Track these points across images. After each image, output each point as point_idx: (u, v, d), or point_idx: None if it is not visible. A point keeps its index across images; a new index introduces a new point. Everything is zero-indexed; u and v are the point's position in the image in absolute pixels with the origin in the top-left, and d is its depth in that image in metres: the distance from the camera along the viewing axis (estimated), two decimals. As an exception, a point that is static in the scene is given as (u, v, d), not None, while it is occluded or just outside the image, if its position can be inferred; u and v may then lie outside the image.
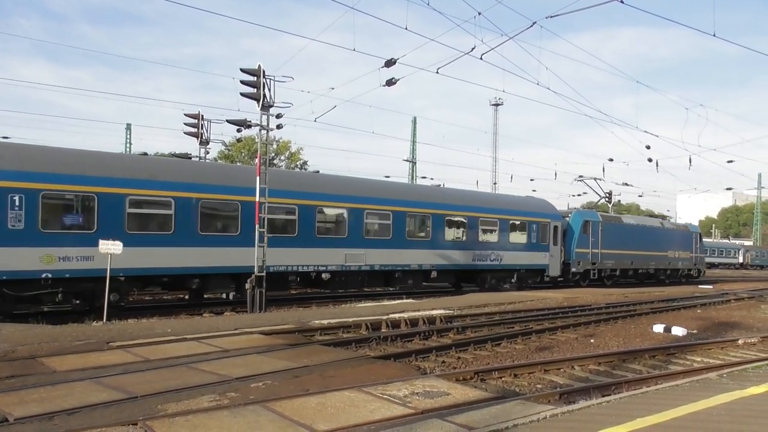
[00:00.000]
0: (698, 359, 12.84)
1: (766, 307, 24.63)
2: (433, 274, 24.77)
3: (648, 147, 31.52)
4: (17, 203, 15.35)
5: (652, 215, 41.04)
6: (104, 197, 16.70)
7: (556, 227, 29.77)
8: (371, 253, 22.33)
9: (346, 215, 21.94)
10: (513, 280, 28.32)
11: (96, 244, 15.74)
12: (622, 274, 34.42)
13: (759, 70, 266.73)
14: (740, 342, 14.68)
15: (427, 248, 24.38)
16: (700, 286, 36.40)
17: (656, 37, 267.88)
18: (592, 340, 14.86)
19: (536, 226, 28.80)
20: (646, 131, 37.37)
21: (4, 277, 15.23)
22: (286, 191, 20.29)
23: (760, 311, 23.16)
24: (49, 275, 15.79)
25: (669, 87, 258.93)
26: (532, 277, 29.36)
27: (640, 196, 64.02)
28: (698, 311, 22.49)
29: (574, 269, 30.69)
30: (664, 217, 52.98)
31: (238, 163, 43.16)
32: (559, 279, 30.52)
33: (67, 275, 16.03)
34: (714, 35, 18.40)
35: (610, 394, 8.60)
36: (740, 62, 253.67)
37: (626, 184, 51.34)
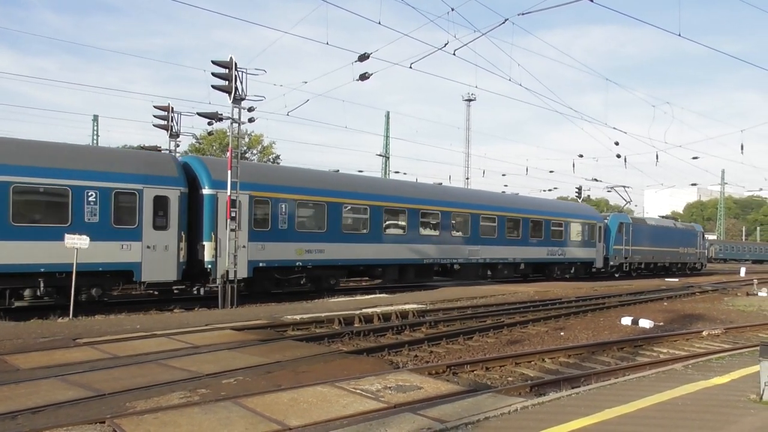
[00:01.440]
0: (664, 351, 13.10)
1: (729, 300, 25.25)
2: (522, 266, 30.93)
3: (617, 143, 32.39)
4: None
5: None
6: None
7: (600, 227, 35.72)
8: (485, 249, 28.42)
9: (470, 220, 27.95)
10: (572, 271, 34.22)
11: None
12: (645, 267, 40.31)
13: (722, 69, 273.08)
14: (704, 333, 15.03)
15: (517, 245, 30.28)
16: (666, 279, 37.31)
17: (625, 35, 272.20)
18: (562, 333, 15.07)
19: (587, 227, 34.71)
20: (615, 128, 38.14)
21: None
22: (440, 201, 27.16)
23: (724, 303, 23.74)
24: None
25: (637, 85, 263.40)
26: (585, 269, 35.01)
27: (608, 191, 64.84)
28: (665, 304, 22.95)
29: (612, 262, 36.68)
30: (675, 219, 58.83)
31: (210, 156, 42.60)
32: (602, 270, 36.33)
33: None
34: (679, 35, 18.61)
35: (579, 386, 8.72)
36: (704, 61, 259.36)
37: (596, 180, 52.07)
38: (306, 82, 49.22)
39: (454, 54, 18.03)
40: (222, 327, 13.73)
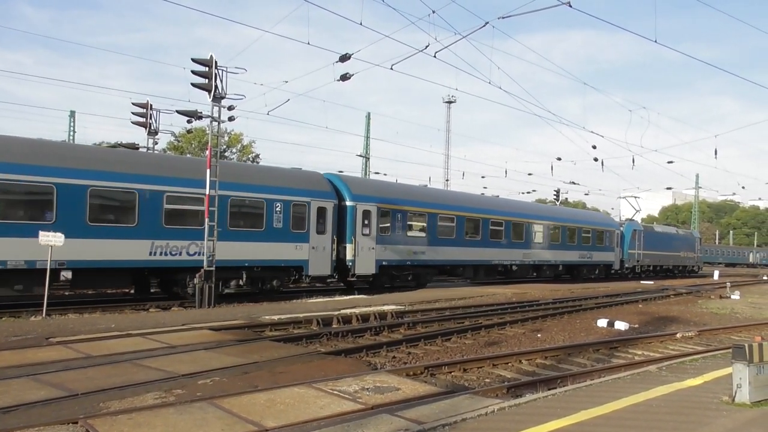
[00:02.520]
0: (639, 353, 13.26)
1: (703, 302, 25.67)
2: (560, 267, 36.26)
3: (594, 147, 32.39)
4: None
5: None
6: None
7: (617, 234, 41.02)
8: (535, 253, 33.65)
9: (525, 229, 32.75)
10: (596, 272, 39.45)
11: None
12: (652, 269, 45.13)
13: (698, 75, 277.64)
14: (678, 336, 15.24)
15: (558, 250, 35.65)
16: (642, 282, 37.86)
17: (603, 40, 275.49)
18: (539, 335, 15.17)
19: (608, 234, 40.01)
20: (592, 131, 38.56)
21: None
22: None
23: (697, 306, 24.12)
24: None
25: (614, 89, 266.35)
26: (605, 271, 40.35)
27: (586, 194, 65.65)
28: (640, 306, 23.25)
29: (627, 264, 41.94)
30: (682, 225, 65.01)
31: (188, 155, 42.20)
32: (618, 272, 41.40)
33: None
34: (656, 41, 19.00)
35: (555, 388, 8.79)
36: (680, 67, 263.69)
37: (573, 183, 52.71)
38: (287, 82, 48.93)
39: (434, 56, 18.12)
40: (199, 327, 13.60)
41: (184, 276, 18.98)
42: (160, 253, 18.20)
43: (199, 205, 18.61)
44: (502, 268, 31.72)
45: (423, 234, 26.60)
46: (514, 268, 32.07)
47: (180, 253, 18.58)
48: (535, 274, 34.66)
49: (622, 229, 42.10)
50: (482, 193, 44.30)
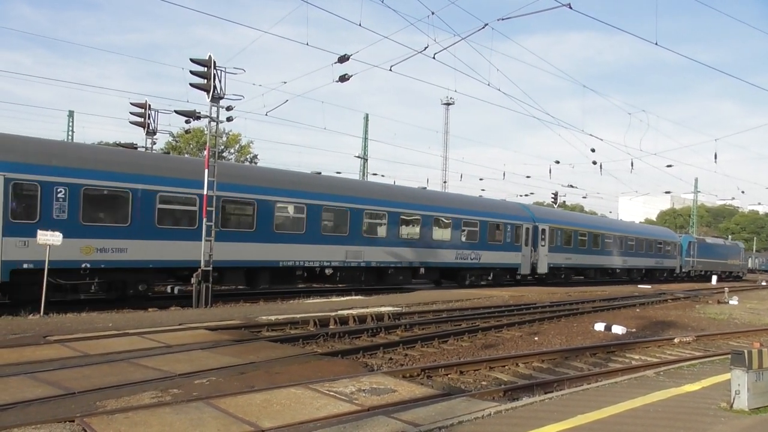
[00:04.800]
0: (637, 357, 13.27)
1: (701, 307, 25.67)
2: (643, 271, 46.25)
3: (593, 150, 32.40)
4: None
5: (687, 232, 57.85)
6: None
7: (677, 245, 50.69)
8: (633, 260, 43.86)
9: (617, 240, 42.11)
10: (665, 275, 49.12)
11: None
12: (704, 273, 53.35)
13: (698, 78, 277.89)
14: (676, 341, 15.25)
15: (643, 257, 45.31)
16: (639, 286, 37.88)
17: (602, 42, 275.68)
18: (536, 338, 15.17)
19: (671, 245, 49.94)
20: (591, 134, 38.48)
21: None
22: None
23: (695, 311, 24.11)
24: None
25: (613, 92, 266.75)
26: (670, 273, 49.91)
27: (584, 197, 65.55)
28: (637, 310, 23.25)
29: (684, 269, 51.32)
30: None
31: (186, 155, 42.18)
32: (677, 275, 50.59)
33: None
34: (656, 43, 18.98)
35: (552, 391, 8.79)
36: (681, 70, 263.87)
37: (571, 186, 52.61)
38: (285, 82, 48.89)
39: (433, 57, 18.09)
40: (196, 327, 13.58)
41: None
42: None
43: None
44: (611, 270, 42.30)
45: (568, 245, 36.51)
46: (618, 270, 42.79)
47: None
48: (625, 276, 44.30)
49: (680, 240, 52.03)
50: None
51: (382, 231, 24.88)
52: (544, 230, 33.51)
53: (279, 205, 21.20)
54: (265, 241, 20.65)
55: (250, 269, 20.85)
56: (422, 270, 27.18)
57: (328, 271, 23.18)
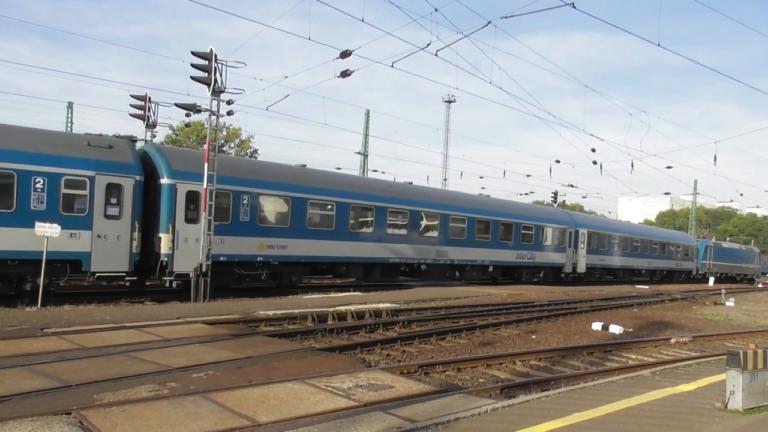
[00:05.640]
0: (633, 357, 13.29)
1: (698, 308, 25.71)
2: (665, 272, 50.04)
3: (593, 150, 32.35)
4: None
5: (704, 236, 60.37)
6: None
7: (694, 249, 54.81)
8: (656, 262, 47.92)
9: (656, 246, 47.63)
10: (682, 276, 52.52)
11: None
12: (720, 276, 56.23)
13: (700, 80, 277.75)
14: (672, 341, 15.27)
15: (665, 260, 49.34)
16: (636, 286, 37.97)
17: (605, 42, 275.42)
18: (533, 336, 15.19)
19: (689, 249, 54.08)
20: (592, 134, 38.56)
21: None
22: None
23: (692, 312, 24.15)
24: None
25: (615, 92, 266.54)
26: (686, 275, 53.64)
27: (584, 197, 65.68)
28: (634, 310, 23.28)
29: (700, 271, 54.91)
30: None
31: (186, 148, 42.15)
32: (693, 276, 54.36)
33: None
34: (659, 45, 18.94)
35: (549, 389, 8.80)
36: (683, 72, 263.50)
37: (571, 185, 52.64)
38: (287, 77, 49.16)
39: (436, 54, 18.10)
40: (194, 321, 13.59)
41: None
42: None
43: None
44: (637, 271, 45.99)
45: (603, 248, 40.81)
46: (643, 271, 46.48)
47: None
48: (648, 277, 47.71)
49: (697, 244, 56.31)
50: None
51: (461, 234, 28.78)
52: (583, 234, 37.22)
53: (390, 211, 25.53)
54: (381, 241, 24.93)
55: (369, 264, 24.89)
56: (491, 268, 30.84)
57: (423, 267, 26.90)
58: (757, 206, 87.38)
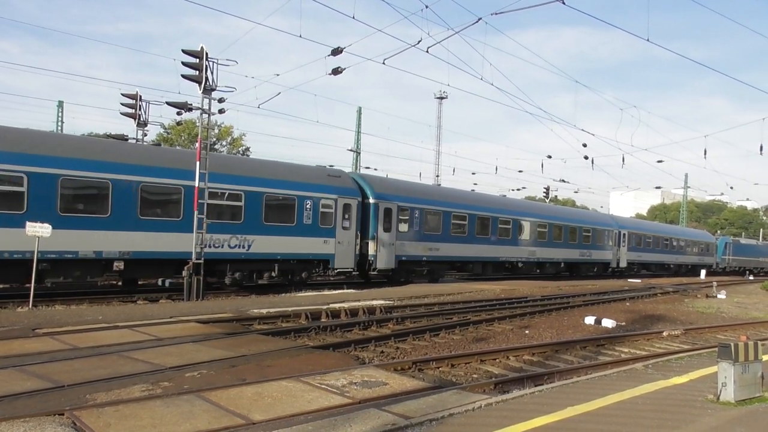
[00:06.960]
0: (626, 350, 13.36)
1: (689, 301, 25.87)
2: (671, 266, 52.29)
3: (585, 145, 32.37)
4: None
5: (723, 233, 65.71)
6: None
7: (714, 245, 60.13)
8: (683, 258, 53.66)
9: (682, 243, 53.76)
10: (705, 270, 53.78)
11: None
12: (738, 269, 62.53)
13: (689, 75, 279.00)
14: (665, 334, 15.36)
15: (687, 255, 54.43)
16: (629, 280, 38.17)
17: (595, 38, 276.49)
18: (526, 332, 15.24)
19: (710, 245, 59.43)
20: (583, 130, 38.76)
21: None
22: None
23: (684, 305, 24.30)
24: None
25: (606, 87, 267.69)
26: (707, 269, 55.08)
27: (575, 192, 65.85)
28: (627, 304, 23.39)
29: (720, 265, 59.81)
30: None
31: (178, 147, 41.97)
32: (713, 269, 57.77)
33: None
34: (648, 40, 18.85)
35: (543, 384, 8.84)
36: (672, 66, 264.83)
37: (563, 181, 52.80)
38: (278, 75, 49.00)
39: (427, 51, 18.06)
40: (187, 319, 13.55)
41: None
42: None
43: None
44: (668, 266, 51.22)
45: (646, 246, 46.37)
46: (672, 266, 51.86)
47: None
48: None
49: (717, 241, 61.90)
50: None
51: (544, 237, 35.17)
52: (624, 234, 43.29)
53: (501, 220, 31.60)
54: (494, 244, 31.12)
55: (485, 263, 31.06)
56: (562, 264, 37.71)
57: (520, 264, 33.57)
58: (747, 199, 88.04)
